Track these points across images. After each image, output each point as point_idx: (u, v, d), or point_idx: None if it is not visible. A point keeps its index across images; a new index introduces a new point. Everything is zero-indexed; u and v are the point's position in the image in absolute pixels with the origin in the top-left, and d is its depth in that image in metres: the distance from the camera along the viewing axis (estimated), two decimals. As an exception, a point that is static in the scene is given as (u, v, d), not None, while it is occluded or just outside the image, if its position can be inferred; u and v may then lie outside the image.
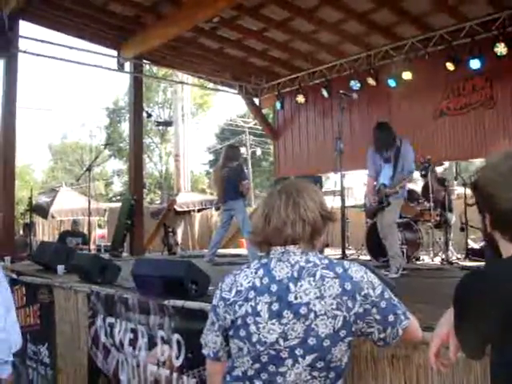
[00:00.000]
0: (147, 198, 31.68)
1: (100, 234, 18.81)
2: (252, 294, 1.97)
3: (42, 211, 15.19)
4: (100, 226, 20.47)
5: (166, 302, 3.77)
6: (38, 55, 10.34)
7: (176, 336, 3.66)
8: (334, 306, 1.90)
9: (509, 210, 1.57)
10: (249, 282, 2.00)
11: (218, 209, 15.55)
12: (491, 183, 1.63)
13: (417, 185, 10.35)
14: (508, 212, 1.58)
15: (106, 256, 8.64)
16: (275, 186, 2.17)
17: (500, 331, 1.51)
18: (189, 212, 16.39)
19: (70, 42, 10.83)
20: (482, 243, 7.88)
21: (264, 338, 1.93)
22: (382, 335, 1.99)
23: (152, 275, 4.19)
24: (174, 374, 3.67)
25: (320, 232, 2.09)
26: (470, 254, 7.90)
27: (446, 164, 12.05)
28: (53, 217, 15.36)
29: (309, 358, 1.91)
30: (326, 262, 2.00)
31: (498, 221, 1.64)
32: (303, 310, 1.90)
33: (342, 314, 1.91)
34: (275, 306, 1.93)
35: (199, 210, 16.79)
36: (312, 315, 1.90)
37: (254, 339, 1.94)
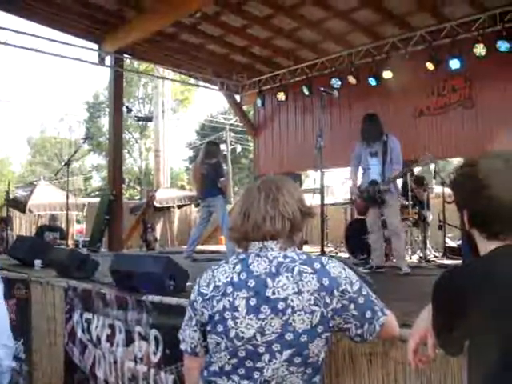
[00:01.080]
0: (126, 194, 31.53)
1: (78, 229, 18.68)
2: (230, 289, 1.96)
3: (20, 205, 15.03)
4: (78, 222, 20.30)
5: (143, 298, 3.75)
6: (17, 47, 10.22)
7: (154, 332, 3.64)
8: (312, 302, 1.90)
9: (486, 208, 1.59)
10: (227, 277, 1.99)
11: (197, 205, 15.53)
12: (469, 181, 1.65)
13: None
14: (485, 210, 1.60)
15: (84, 251, 8.56)
16: (254, 182, 2.17)
17: (480, 329, 1.53)
18: (168, 208, 16.33)
19: (51, 35, 10.77)
20: (460, 241, 7.95)
21: (241, 333, 1.92)
22: (359, 331, 1.99)
23: (130, 271, 4.15)
24: (152, 370, 3.65)
25: (299, 227, 2.09)
26: (448, 252, 7.99)
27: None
28: (30, 211, 15.20)
29: (286, 354, 1.91)
30: (304, 257, 1.99)
31: (476, 219, 1.66)
32: (281, 306, 1.90)
33: (319, 310, 1.91)
34: (253, 301, 1.92)
35: (179, 207, 16.74)
36: (289, 310, 1.89)
37: (232, 334, 1.93)
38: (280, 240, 2.02)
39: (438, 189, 9.18)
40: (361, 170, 6.68)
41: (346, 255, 7.97)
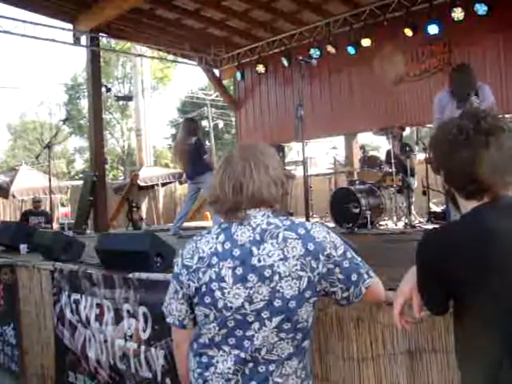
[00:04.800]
0: (110, 175, 31.38)
1: (63, 213, 18.59)
2: (215, 260, 1.96)
3: (3, 191, 14.91)
4: (63, 205, 20.20)
5: (130, 275, 3.74)
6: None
7: (142, 308, 3.64)
8: (298, 267, 1.90)
9: (458, 169, 1.61)
10: (211, 248, 1.98)
11: (181, 183, 15.47)
12: (442, 143, 1.67)
13: (379, 152, 10.38)
14: (458, 171, 1.61)
15: (70, 233, 8.52)
16: (230, 151, 2.14)
17: (461, 284, 1.55)
18: (152, 186, 16.28)
19: (23, 16, 10.56)
20: (444, 206, 8.01)
21: (230, 303, 1.92)
22: (345, 294, 2.00)
23: (116, 250, 4.14)
24: (142, 347, 3.66)
25: (287, 191, 2.11)
26: (432, 217, 8.04)
27: (407, 130, 12.17)
28: (14, 196, 15.09)
29: (275, 320, 1.92)
30: (288, 223, 1.99)
31: (451, 180, 1.68)
32: (267, 273, 1.90)
33: (306, 275, 1.91)
34: (239, 271, 1.92)
35: (163, 185, 16.69)
36: (276, 277, 1.89)
37: (220, 305, 1.93)
38: (276, 205, 2.03)
39: (420, 155, 9.21)
40: None
41: (332, 225, 8.00)
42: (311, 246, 1.93)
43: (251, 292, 1.91)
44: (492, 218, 1.56)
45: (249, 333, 1.93)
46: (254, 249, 1.93)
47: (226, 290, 1.93)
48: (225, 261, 1.94)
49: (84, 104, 34.66)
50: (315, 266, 1.92)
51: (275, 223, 1.97)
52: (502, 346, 1.48)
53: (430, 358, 2.39)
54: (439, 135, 1.70)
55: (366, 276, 2.00)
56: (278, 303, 1.91)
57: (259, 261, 1.91)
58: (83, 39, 11.38)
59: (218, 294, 1.94)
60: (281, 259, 1.90)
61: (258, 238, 1.94)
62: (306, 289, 1.92)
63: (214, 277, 1.95)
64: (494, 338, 1.49)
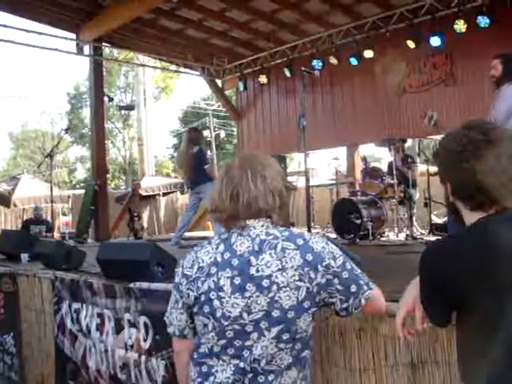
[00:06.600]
0: (112, 184, 31.38)
1: (64, 222, 18.56)
2: (214, 270, 1.96)
3: (4, 200, 14.92)
4: (64, 214, 20.18)
5: (131, 285, 3.73)
6: (-7, 39, 10.07)
7: (143, 318, 3.62)
8: (297, 278, 1.91)
9: (467, 179, 1.60)
10: (210, 258, 1.99)
11: (182, 192, 15.47)
12: (449, 154, 1.66)
13: (380, 163, 10.38)
14: (466, 182, 1.60)
15: (71, 242, 8.50)
16: (230, 160, 2.15)
17: (464, 296, 1.54)
18: (154, 196, 16.29)
19: (27, 26, 10.60)
20: (445, 218, 8.00)
21: (228, 312, 1.92)
22: (344, 305, 2.00)
23: (117, 259, 4.13)
24: (143, 357, 3.64)
25: (286, 202, 2.10)
26: (434, 228, 8.03)
27: (409, 141, 12.19)
28: (15, 205, 15.09)
29: (274, 331, 1.91)
30: (287, 233, 1.99)
31: (458, 190, 1.67)
32: (266, 283, 1.90)
33: (304, 285, 1.92)
34: (237, 280, 1.92)
35: (164, 194, 16.70)
36: (275, 287, 1.90)
37: (218, 314, 1.94)
38: (273, 216, 2.02)
39: (422, 167, 9.20)
40: None
41: (334, 236, 7.98)
42: (309, 257, 1.93)
43: (249, 302, 1.91)
44: (495, 229, 1.55)
45: (248, 343, 1.93)
46: (253, 259, 1.93)
47: (224, 300, 1.93)
48: (223, 270, 1.95)
49: (86, 113, 34.75)
50: (314, 277, 1.93)
51: (274, 234, 1.98)
52: (505, 358, 1.47)
53: (432, 370, 2.38)
54: (446, 146, 1.69)
55: (365, 287, 2.00)
56: (276, 313, 1.91)
57: (257, 271, 1.92)
58: (86, 49, 11.43)
59: (216, 303, 1.94)
60: (279, 269, 1.90)
61: (256, 248, 1.95)
62: (304, 299, 1.93)
63: (212, 286, 1.95)
64: (498, 351, 1.48)
